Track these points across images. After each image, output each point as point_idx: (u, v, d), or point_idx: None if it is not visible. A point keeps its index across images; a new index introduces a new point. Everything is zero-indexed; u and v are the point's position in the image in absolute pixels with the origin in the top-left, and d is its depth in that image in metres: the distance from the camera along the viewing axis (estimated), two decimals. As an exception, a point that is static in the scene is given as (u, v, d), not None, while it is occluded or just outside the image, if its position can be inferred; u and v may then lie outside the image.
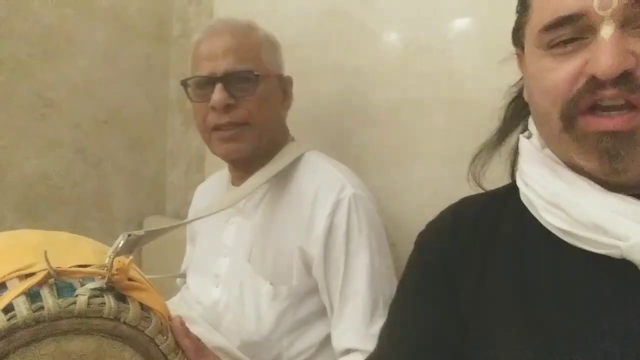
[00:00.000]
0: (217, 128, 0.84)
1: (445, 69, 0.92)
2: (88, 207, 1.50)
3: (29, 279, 0.48)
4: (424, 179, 0.96)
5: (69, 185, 1.47)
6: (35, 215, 1.42)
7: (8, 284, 0.48)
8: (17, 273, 0.49)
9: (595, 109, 0.45)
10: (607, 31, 0.43)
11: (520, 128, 0.59)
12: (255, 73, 0.83)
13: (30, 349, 0.45)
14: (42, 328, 0.45)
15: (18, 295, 0.46)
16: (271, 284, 0.82)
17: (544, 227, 0.50)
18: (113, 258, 0.51)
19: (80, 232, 1.54)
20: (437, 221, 0.60)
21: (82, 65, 1.46)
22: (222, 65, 0.82)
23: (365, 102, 1.05)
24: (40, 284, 0.48)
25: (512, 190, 0.56)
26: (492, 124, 0.63)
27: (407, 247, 0.69)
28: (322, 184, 0.82)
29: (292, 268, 0.81)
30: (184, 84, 0.88)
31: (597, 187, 0.47)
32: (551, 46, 0.47)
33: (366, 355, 0.71)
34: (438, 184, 0.94)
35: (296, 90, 0.97)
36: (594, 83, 0.44)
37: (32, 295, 0.47)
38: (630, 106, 0.44)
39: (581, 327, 0.45)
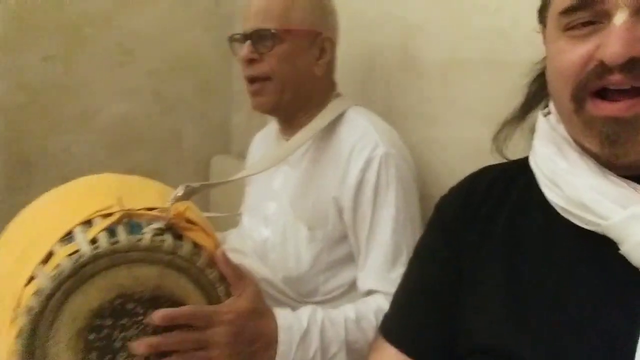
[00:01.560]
0: (247, 81, 0.93)
1: (497, 28, 0.91)
2: (163, 146, 1.66)
3: (108, 218, 0.61)
4: (466, 136, 0.99)
5: (147, 127, 1.62)
6: (119, 153, 1.59)
7: (93, 221, 0.61)
8: (100, 213, 0.61)
9: (604, 92, 0.47)
10: (619, 18, 0.45)
11: (542, 105, 0.61)
12: (273, 31, 0.88)
13: (110, 272, 0.58)
14: (117, 257, 0.58)
15: (100, 231, 0.59)
16: (309, 228, 0.91)
17: (546, 201, 0.53)
18: (172, 205, 0.62)
19: (156, 168, 1.73)
20: (456, 186, 0.65)
21: (156, 16, 1.57)
22: (251, 24, 0.91)
23: (415, 57, 1.07)
24: (117, 223, 0.60)
25: (526, 164, 0.59)
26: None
27: None
28: (357, 140, 0.88)
29: (327, 215, 0.90)
30: (229, 40, 0.96)
31: (595, 168, 0.50)
32: (568, 28, 0.49)
33: (385, 296, 0.81)
34: (479, 142, 0.96)
35: (349, 42, 1.00)
36: (602, 68, 0.46)
37: (111, 231, 0.59)
38: (636, 92, 0.45)
39: (559, 294, 0.49)
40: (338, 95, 0.99)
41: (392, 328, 0.64)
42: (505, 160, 0.66)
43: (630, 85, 0.45)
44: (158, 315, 0.59)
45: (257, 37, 0.90)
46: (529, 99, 0.63)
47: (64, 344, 0.56)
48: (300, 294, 0.93)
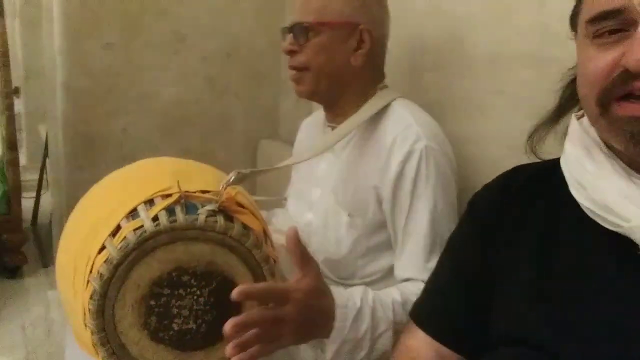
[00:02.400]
0: (290, 70, 0.99)
1: (543, 23, 0.91)
2: (213, 129, 1.74)
3: (168, 198, 0.67)
4: (510, 131, 0.99)
5: (198, 110, 1.70)
6: (172, 135, 1.69)
7: (154, 200, 0.68)
8: (160, 193, 0.68)
9: (629, 96, 0.48)
10: None
11: (576, 108, 0.62)
12: (307, 25, 0.93)
13: (169, 247, 0.65)
14: (175, 234, 0.65)
15: (161, 210, 0.65)
16: (349, 214, 0.95)
17: (575, 202, 0.55)
18: (224, 189, 0.68)
19: (206, 150, 1.81)
20: (490, 183, 0.68)
21: (210, 5, 1.63)
22: (293, 18, 0.96)
23: (462, 50, 1.08)
24: (175, 203, 0.66)
25: (559, 164, 0.60)
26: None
27: None
28: (400, 133, 0.90)
29: (367, 203, 0.93)
30: (282, 31, 1.01)
31: (621, 171, 0.51)
32: (595, 36, 0.50)
33: (422, 283, 0.84)
34: (521, 137, 0.97)
35: (396, 33, 1.02)
36: (627, 75, 0.47)
37: (170, 210, 0.66)
38: None
39: (587, 291, 0.52)
40: (384, 87, 1.01)
41: (422, 314, 0.68)
42: (538, 160, 0.68)
43: None
44: (236, 291, 0.61)
45: (296, 30, 0.95)
46: (562, 103, 0.65)
47: (129, 307, 0.64)
48: (339, 276, 0.98)
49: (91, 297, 0.62)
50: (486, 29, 1.03)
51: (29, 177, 2.83)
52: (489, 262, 0.61)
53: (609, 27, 0.49)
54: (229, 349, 0.61)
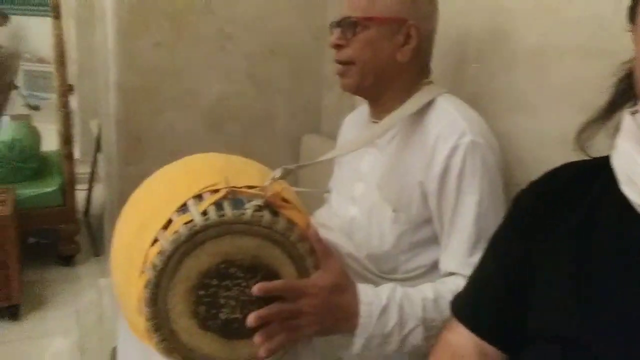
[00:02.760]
0: (336, 64, 1.00)
1: (596, 15, 0.89)
2: (256, 124, 1.77)
3: (216, 193, 0.70)
4: (558, 125, 0.97)
5: (242, 106, 1.74)
6: (216, 130, 1.73)
7: (203, 195, 0.71)
8: (209, 188, 0.71)
9: None
10: None
11: (630, 104, 0.60)
12: (354, 19, 0.94)
13: (217, 241, 0.67)
14: (223, 228, 0.67)
15: (210, 205, 0.68)
16: (394, 210, 0.95)
17: (624, 198, 0.53)
18: (270, 184, 0.70)
19: (249, 145, 1.85)
20: (536, 180, 0.66)
21: (253, 2, 1.66)
22: (342, 12, 0.97)
23: (507, 43, 1.06)
24: (223, 198, 0.69)
25: (607, 162, 0.58)
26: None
27: None
28: (444, 128, 0.90)
29: (412, 198, 0.93)
30: (330, 26, 1.03)
31: None
32: None
33: (465, 278, 0.84)
34: (568, 132, 0.95)
35: (442, 25, 1.02)
36: None
37: (218, 205, 0.69)
38: None
39: (629, 289, 0.50)
40: (430, 82, 1.01)
41: (463, 309, 0.68)
42: (587, 158, 0.66)
43: None
44: (256, 287, 0.69)
45: (344, 25, 0.96)
46: (615, 98, 0.63)
47: (180, 296, 0.67)
48: (382, 271, 0.98)
49: (145, 286, 0.66)
50: (533, 20, 1.01)
51: (82, 170, 2.96)
52: (530, 259, 0.60)
53: None
54: (256, 337, 0.70)
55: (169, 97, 1.67)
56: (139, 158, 1.66)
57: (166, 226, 0.68)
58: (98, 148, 2.69)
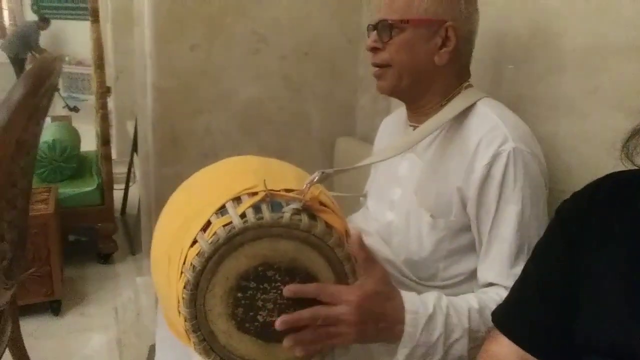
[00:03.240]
0: (373, 66, 0.99)
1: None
2: (290, 127, 1.77)
3: (254, 196, 0.70)
4: (603, 130, 0.94)
5: (276, 108, 1.75)
6: (251, 133, 1.74)
7: (241, 198, 0.71)
8: (247, 191, 0.71)
9: None
10: None
11: None
12: (391, 22, 0.93)
13: (255, 243, 0.67)
14: (261, 231, 0.67)
15: (248, 207, 0.68)
16: (432, 216, 0.93)
17: None
18: (308, 188, 0.70)
19: (283, 147, 1.85)
20: (579, 192, 0.65)
21: (287, 4, 1.67)
22: (379, 15, 0.96)
23: (552, 45, 1.03)
24: (261, 201, 0.69)
25: None
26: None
27: None
28: (486, 134, 0.87)
29: (451, 205, 0.91)
30: (367, 29, 1.02)
31: None
32: None
33: (507, 289, 0.82)
34: (617, 137, 0.92)
35: (481, 27, 0.99)
36: None
37: (256, 208, 0.69)
38: None
39: None
40: (469, 86, 0.99)
41: (507, 320, 0.67)
42: (634, 168, 0.64)
43: None
44: (288, 289, 0.68)
45: (380, 27, 0.95)
46: None
47: (218, 298, 0.67)
48: (420, 277, 0.97)
49: (185, 287, 0.66)
50: (580, 20, 0.97)
51: (118, 170, 3.04)
52: (578, 271, 0.59)
53: None
54: (285, 341, 0.69)
55: (204, 99, 1.69)
56: (175, 159, 1.69)
57: (205, 228, 0.69)
58: (134, 149, 2.76)
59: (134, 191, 2.92)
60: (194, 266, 0.66)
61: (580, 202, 0.64)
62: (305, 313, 0.69)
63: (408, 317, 0.76)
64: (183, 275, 0.67)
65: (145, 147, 1.80)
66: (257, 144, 1.74)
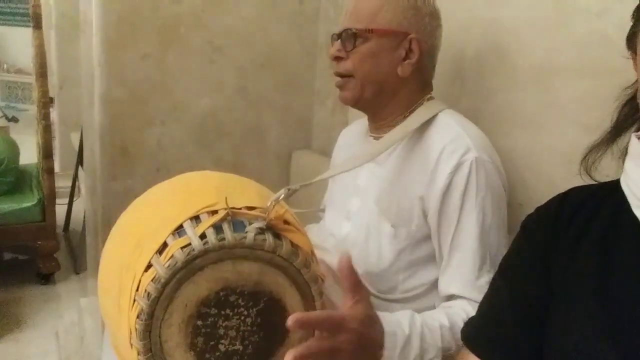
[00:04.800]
0: (336, 76, 0.98)
1: (599, 33, 0.88)
2: (246, 139, 1.72)
3: (214, 215, 0.66)
4: (559, 145, 0.96)
5: (232, 121, 1.70)
6: (205, 145, 1.68)
7: (200, 217, 0.66)
8: (206, 209, 0.66)
9: None
10: None
11: (634, 128, 0.61)
12: (355, 31, 0.92)
13: (216, 266, 0.63)
14: (223, 253, 0.63)
15: (208, 227, 0.64)
16: (392, 226, 0.92)
17: (638, 223, 0.52)
18: (273, 206, 0.66)
19: (239, 160, 1.80)
20: (543, 206, 0.65)
21: (244, 14, 1.63)
22: (343, 24, 0.95)
23: (509, 62, 1.04)
24: (222, 220, 0.65)
25: (617, 185, 0.58)
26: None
27: (533, 208, 0.74)
28: (448, 143, 0.87)
29: (412, 214, 0.90)
30: (331, 38, 1.01)
31: None
32: None
33: (471, 302, 0.82)
34: (573, 151, 0.93)
35: (442, 41, 1.00)
36: None
37: (216, 227, 0.64)
38: None
39: None
40: (431, 98, 0.99)
41: (478, 339, 0.65)
42: (594, 182, 0.66)
43: None
44: (292, 319, 0.57)
45: (345, 36, 0.94)
46: (618, 123, 0.63)
47: (176, 327, 0.62)
48: (380, 290, 0.95)
49: (138, 317, 0.61)
50: (535, 37, 1.00)
51: (61, 184, 2.88)
52: (547, 289, 0.59)
53: None
54: None
55: (157, 111, 1.62)
56: (124, 173, 1.60)
57: (161, 250, 0.63)
58: (79, 161, 2.62)
59: (79, 206, 2.78)
60: (148, 293, 0.61)
61: (546, 217, 0.63)
62: (312, 346, 0.60)
63: (387, 340, 0.72)
64: (136, 303, 0.61)
65: (92, 160, 1.70)
66: (212, 157, 1.68)
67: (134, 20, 1.54)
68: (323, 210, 1.23)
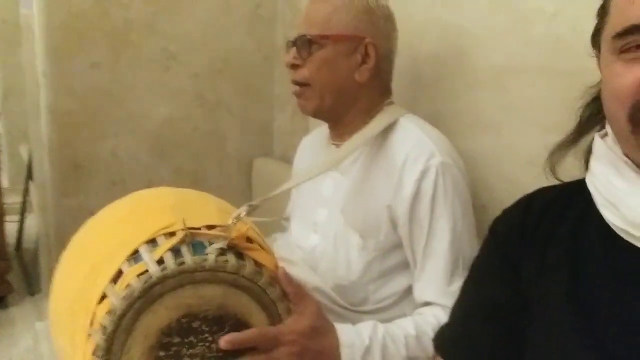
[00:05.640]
0: (293, 84, 0.95)
1: (555, 35, 0.89)
2: (206, 148, 1.68)
3: (172, 237, 0.62)
4: (520, 146, 0.97)
5: (190, 129, 1.65)
6: (163, 155, 1.63)
7: (157, 239, 0.62)
8: (163, 231, 0.63)
9: None
10: None
11: (597, 127, 0.61)
12: (309, 37, 0.90)
13: (177, 292, 0.59)
14: (184, 277, 0.59)
15: (165, 252, 0.60)
16: (361, 236, 0.90)
17: (605, 223, 0.53)
18: (234, 224, 0.63)
19: (199, 170, 1.75)
20: (510, 208, 0.65)
21: (198, 19, 1.58)
22: (297, 31, 0.93)
23: (467, 65, 1.05)
24: (180, 242, 0.61)
25: (583, 185, 0.58)
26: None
27: (496, 210, 0.74)
28: (412, 148, 0.87)
29: (380, 224, 0.89)
30: (286, 45, 0.98)
31: None
32: (622, 51, 0.49)
33: (444, 309, 0.81)
34: (533, 152, 0.94)
35: (398, 45, 0.99)
36: None
37: (175, 251, 0.61)
38: None
39: (631, 322, 0.49)
40: (391, 103, 0.98)
41: (447, 345, 0.65)
42: (558, 182, 0.66)
43: None
44: (225, 340, 0.61)
45: (300, 43, 0.92)
46: (582, 122, 0.63)
47: (136, 361, 0.58)
48: (351, 302, 0.93)
49: (94, 353, 0.57)
50: (492, 39, 1.00)
51: (11, 199, 2.74)
52: (518, 291, 0.58)
53: (636, 41, 0.48)
54: None
55: (110, 122, 1.55)
56: (78, 188, 1.53)
57: (116, 278, 0.59)
58: (29, 176, 2.50)
59: (32, 222, 2.65)
60: (104, 327, 0.56)
61: (514, 219, 0.63)
62: None
63: (344, 352, 0.72)
64: (91, 338, 0.57)
65: (42, 175, 1.62)
66: (170, 168, 1.63)
67: (80, 26, 1.47)
68: (287, 219, 1.21)
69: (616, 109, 0.50)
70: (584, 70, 0.85)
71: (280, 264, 0.77)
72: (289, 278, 0.67)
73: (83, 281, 0.62)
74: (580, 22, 0.85)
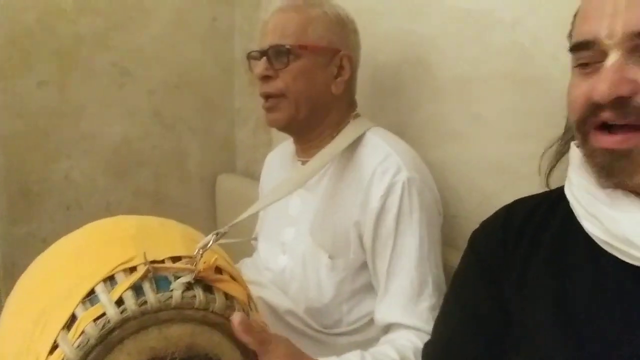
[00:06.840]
0: (263, 98, 0.91)
1: (516, 44, 0.89)
2: (166, 166, 1.62)
3: (132, 273, 0.56)
4: (487, 155, 0.96)
5: (149, 148, 1.58)
6: (121, 177, 1.55)
7: (116, 276, 0.56)
8: (122, 266, 0.57)
9: (604, 126, 0.49)
10: (611, 59, 0.47)
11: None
12: (288, 47, 0.86)
13: (139, 336, 0.54)
14: (147, 319, 0.54)
15: (125, 290, 0.54)
16: (330, 256, 0.87)
17: (586, 233, 0.52)
18: (201, 255, 0.58)
19: (160, 189, 1.67)
20: (489, 220, 0.64)
21: (152, 34, 1.52)
22: (268, 41, 0.89)
23: (431, 74, 1.04)
24: (142, 279, 0.55)
25: (562, 194, 0.58)
26: (563, 103, 0.64)
27: (467, 220, 0.73)
28: (379, 163, 0.84)
29: (349, 242, 0.86)
30: (247, 57, 0.94)
31: (636, 200, 0.49)
32: (578, 64, 0.51)
33: (411, 330, 0.79)
34: (502, 160, 0.94)
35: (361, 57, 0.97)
36: (595, 105, 0.49)
37: (136, 289, 0.55)
38: (631, 127, 0.47)
39: (615, 335, 0.48)
40: (357, 115, 0.96)
41: None
42: (540, 192, 0.66)
43: (623, 121, 0.47)
44: None
45: (273, 53, 0.88)
46: (568, 130, 0.64)
47: (95, 418, 0.52)
48: (325, 325, 0.90)
49: (46, 413, 0.50)
50: (455, 49, 1.00)
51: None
52: (501, 302, 0.57)
53: (586, 57, 0.50)
54: None
55: (61, 143, 1.47)
56: (27, 215, 1.43)
57: (69, 325, 0.53)
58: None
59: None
60: (56, 382, 0.50)
61: (494, 232, 0.62)
62: None
63: None
64: (41, 395, 0.51)
65: (-12, 203, 1.51)
66: (130, 189, 1.55)
67: (26, 43, 1.39)
68: (256, 239, 1.16)
69: (571, 117, 0.53)
70: (547, 77, 0.86)
71: (250, 287, 0.73)
72: (247, 326, 0.56)
73: (31, 329, 0.56)
74: (541, 31, 0.85)
